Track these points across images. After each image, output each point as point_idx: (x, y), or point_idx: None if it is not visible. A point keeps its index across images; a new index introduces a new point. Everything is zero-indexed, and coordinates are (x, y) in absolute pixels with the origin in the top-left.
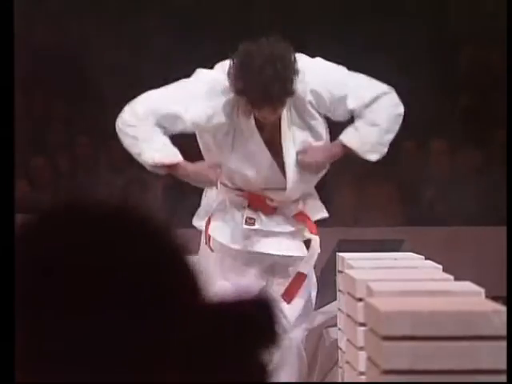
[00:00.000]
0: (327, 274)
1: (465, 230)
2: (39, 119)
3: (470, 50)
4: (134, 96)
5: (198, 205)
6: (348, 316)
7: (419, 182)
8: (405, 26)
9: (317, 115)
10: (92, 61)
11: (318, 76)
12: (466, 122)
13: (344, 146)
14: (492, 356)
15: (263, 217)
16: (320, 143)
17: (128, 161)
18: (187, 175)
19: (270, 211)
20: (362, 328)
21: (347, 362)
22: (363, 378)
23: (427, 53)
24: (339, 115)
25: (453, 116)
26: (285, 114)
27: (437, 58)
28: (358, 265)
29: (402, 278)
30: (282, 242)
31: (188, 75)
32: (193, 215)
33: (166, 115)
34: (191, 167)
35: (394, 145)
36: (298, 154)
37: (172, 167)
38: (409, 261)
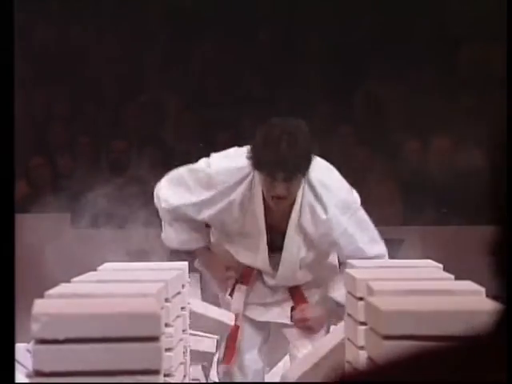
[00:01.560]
0: None
1: (466, 229)
2: (39, 119)
3: (471, 50)
4: (134, 96)
5: None
6: (348, 315)
7: (420, 182)
8: (405, 26)
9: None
10: (92, 60)
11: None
12: (467, 121)
13: (338, 304)
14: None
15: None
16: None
17: (128, 161)
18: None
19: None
20: (363, 327)
21: (348, 362)
22: None
23: (428, 53)
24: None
25: (454, 115)
26: (297, 208)
27: (437, 58)
28: (360, 264)
29: (403, 278)
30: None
31: (188, 75)
32: None
33: (184, 215)
34: (209, 268)
35: (394, 144)
36: (293, 313)
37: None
38: (412, 262)
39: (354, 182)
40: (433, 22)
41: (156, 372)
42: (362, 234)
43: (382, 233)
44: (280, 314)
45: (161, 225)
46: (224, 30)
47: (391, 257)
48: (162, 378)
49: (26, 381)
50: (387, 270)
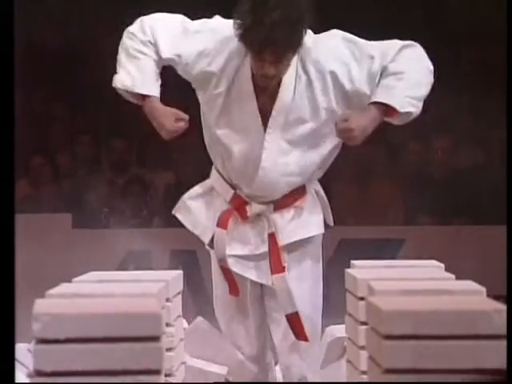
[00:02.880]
0: (328, 274)
1: (467, 228)
2: (39, 118)
3: (472, 49)
4: None
5: None
6: (350, 315)
7: (421, 181)
8: (406, 26)
9: (327, 98)
10: (93, 60)
11: (338, 42)
12: (468, 121)
13: (379, 107)
14: (493, 355)
15: (239, 226)
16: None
17: (129, 160)
18: (150, 113)
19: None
20: (364, 327)
21: (349, 361)
22: (365, 378)
23: (429, 53)
24: (359, 89)
25: (455, 115)
26: (287, 80)
27: (439, 58)
28: (361, 265)
29: (404, 277)
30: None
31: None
32: None
33: (165, 42)
34: (157, 107)
35: (395, 144)
36: (336, 122)
37: (141, 98)
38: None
39: (354, 181)
40: (434, 22)
41: (157, 372)
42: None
43: (382, 233)
44: (260, 274)
45: (162, 223)
46: None
47: (391, 257)
48: (163, 378)
49: (27, 381)
50: (388, 269)
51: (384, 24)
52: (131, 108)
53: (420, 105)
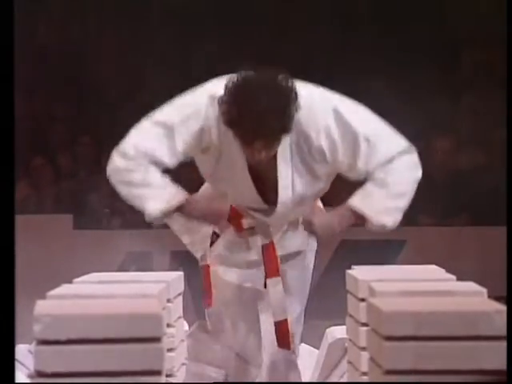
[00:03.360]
0: (330, 274)
1: (467, 229)
2: (40, 119)
3: (472, 51)
4: (136, 96)
5: None
6: (350, 316)
7: (421, 182)
8: (408, 27)
9: (321, 158)
10: (93, 60)
11: (330, 118)
12: (469, 122)
13: (354, 211)
14: (494, 356)
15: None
16: (320, 207)
17: None
18: (194, 212)
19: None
20: (365, 328)
21: (349, 363)
22: (366, 379)
23: (431, 53)
24: (348, 170)
25: (456, 116)
26: (281, 150)
27: (440, 59)
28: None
29: (405, 279)
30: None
31: (189, 74)
32: None
33: (159, 153)
34: (198, 204)
35: None
36: (304, 218)
37: (179, 208)
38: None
39: (355, 182)
40: (435, 24)
41: (158, 373)
42: (376, 129)
43: (383, 234)
44: (254, 279)
45: (163, 224)
46: (224, 30)
47: (392, 258)
48: (163, 379)
49: (28, 381)
50: (389, 271)
51: (386, 24)
52: (132, 108)
53: (399, 216)
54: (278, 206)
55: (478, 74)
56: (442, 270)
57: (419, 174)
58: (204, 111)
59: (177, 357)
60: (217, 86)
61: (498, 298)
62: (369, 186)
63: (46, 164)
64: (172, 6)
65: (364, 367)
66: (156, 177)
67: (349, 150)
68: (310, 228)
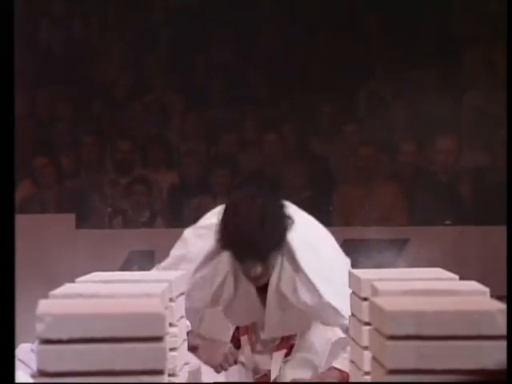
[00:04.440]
0: None
1: (470, 229)
2: (44, 119)
3: (474, 50)
4: (139, 96)
5: (201, 205)
6: (353, 315)
7: (425, 182)
8: (410, 26)
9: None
10: (97, 61)
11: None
12: (472, 122)
13: (341, 372)
14: (497, 355)
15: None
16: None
17: (132, 160)
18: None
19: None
20: (367, 327)
21: (352, 362)
22: (368, 378)
23: (432, 53)
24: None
25: (459, 115)
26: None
27: (442, 59)
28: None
29: (407, 278)
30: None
31: (189, 75)
32: (196, 214)
33: None
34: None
35: (399, 144)
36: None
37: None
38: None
39: (358, 181)
40: (438, 23)
41: (160, 372)
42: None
43: (386, 233)
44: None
45: (165, 223)
46: (227, 31)
47: (397, 255)
48: (166, 378)
49: (31, 381)
50: (391, 270)
51: (389, 24)
52: (136, 108)
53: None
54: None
55: (481, 73)
56: (445, 271)
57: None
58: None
59: (179, 356)
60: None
61: (500, 298)
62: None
63: (48, 164)
64: (176, 6)
65: (366, 366)
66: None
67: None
68: None
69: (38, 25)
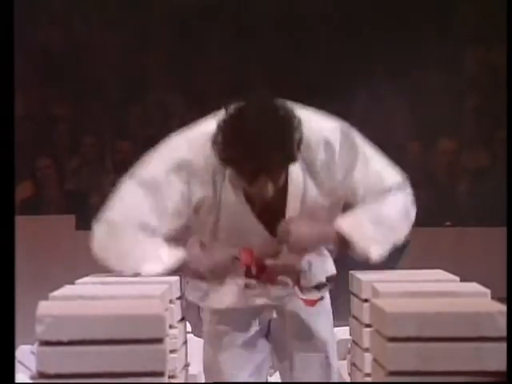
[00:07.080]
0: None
1: (471, 230)
2: (44, 120)
3: (476, 51)
4: (139, 96)
5: None
6: (354, 317)
7: (426, 183)
8: (411, 26)
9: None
10: (97, 61)
11: (331, 132)
12: (472, 123)
13: (341, 235)
14: (498, 357)
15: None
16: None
17: (133, 160)
18: (201, 266)
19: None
20: (368, 329)
21: (353, 364)
22: (369, 380)
23: (434, 53)
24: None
25: (459, 116)
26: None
27: (444, 59)
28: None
29: (408, 279)
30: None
31: (190, 75)
32: None
33: (147, 219)
34: (203, 258)
35: (399, 144)
36: (282, 224)
37: (180, 267)
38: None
39: None
40: (439, 23)
41: (160, 374)
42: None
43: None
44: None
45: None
46: (228, 30)
47: (396, 258)
48: (166, 380)
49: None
50: (392, 271)
51: (390, 24)
52: (136, 109)
53: (386, 250)
54: (287, 217)
55: (482, 74)
56: (446, 272)
57: (413, 214)
58: (189, 160)
59: (179, 358)
60: (195, 131)
61: (501, 299)
62: (360, 213)
63: (49, 165)
64: (176, 6)
65: (367, 368)
66: (147, 241)
67: (346, 164)
68: (284, 237)
69: (37, 24)
